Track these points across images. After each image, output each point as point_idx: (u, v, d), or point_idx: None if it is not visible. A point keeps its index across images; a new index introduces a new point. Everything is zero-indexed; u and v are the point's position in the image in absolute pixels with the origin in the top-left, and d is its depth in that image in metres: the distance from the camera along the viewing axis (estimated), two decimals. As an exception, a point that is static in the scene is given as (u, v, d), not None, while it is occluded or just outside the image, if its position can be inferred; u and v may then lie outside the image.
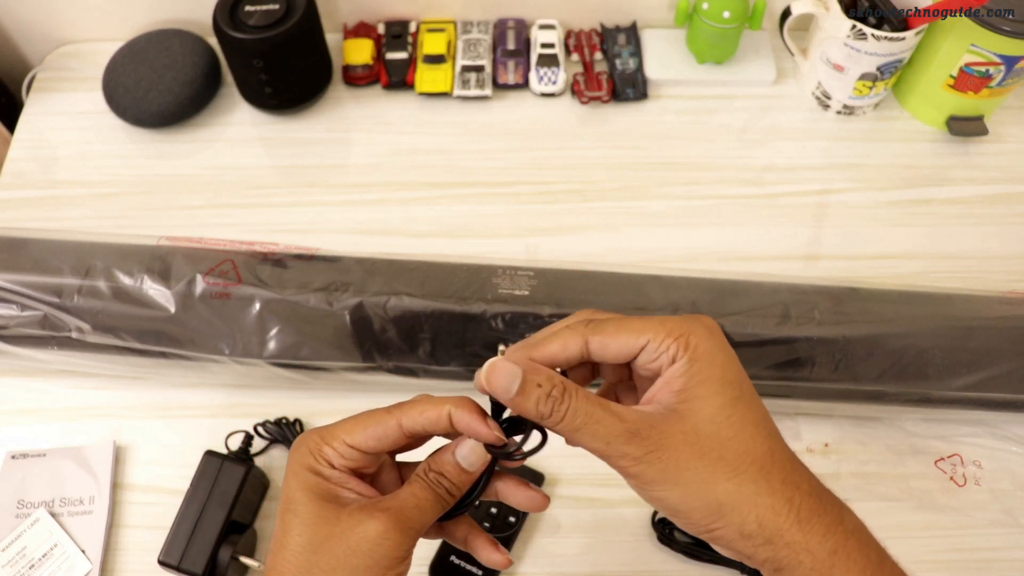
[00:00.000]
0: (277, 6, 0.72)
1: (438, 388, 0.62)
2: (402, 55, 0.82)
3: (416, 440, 0.39)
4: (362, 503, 0.36)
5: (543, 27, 0.83)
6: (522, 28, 0.84)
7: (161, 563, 0.54)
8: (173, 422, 0.64)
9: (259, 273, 0.60)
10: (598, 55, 0.83)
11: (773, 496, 0.33)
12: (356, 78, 0.82)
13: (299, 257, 0.63)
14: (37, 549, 0.57)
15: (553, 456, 0.62)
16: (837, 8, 0.73)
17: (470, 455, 0.37)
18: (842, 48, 0.74)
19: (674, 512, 0.35)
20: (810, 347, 0.59)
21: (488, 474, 0.39)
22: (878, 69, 0.75)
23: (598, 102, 0.81)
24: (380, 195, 0.75)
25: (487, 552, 0.40)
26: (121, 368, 0.62)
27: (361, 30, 0.84)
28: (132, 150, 0.78)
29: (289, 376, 0.61)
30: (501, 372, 0.35)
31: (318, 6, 0.76)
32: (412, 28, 0.84)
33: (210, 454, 0.58)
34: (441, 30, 0.83)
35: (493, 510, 0.58)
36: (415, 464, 0.40)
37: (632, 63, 0.82)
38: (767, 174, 0.77)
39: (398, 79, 0.81)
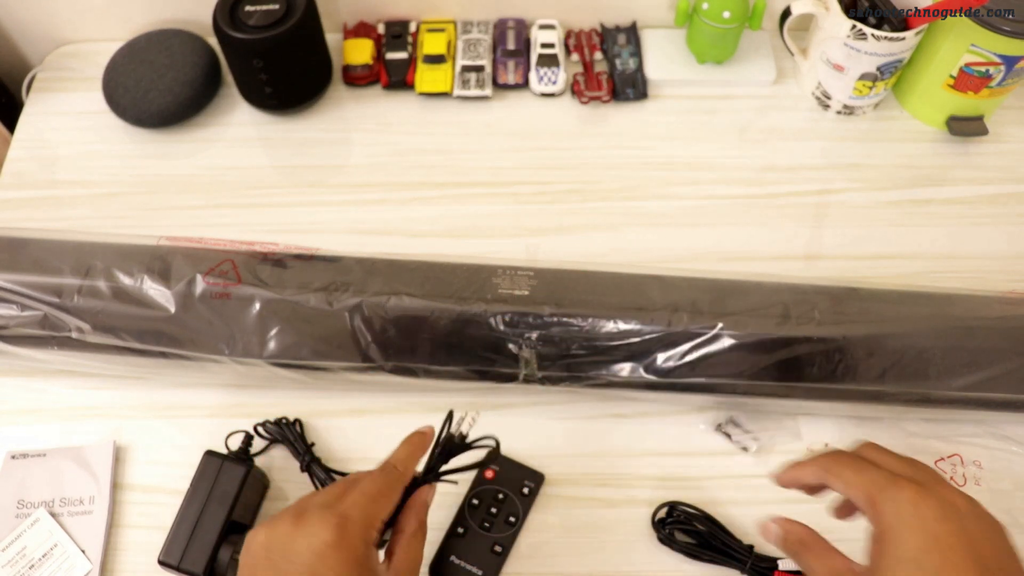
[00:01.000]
0: (277, 6, 0.72)
1: (438, 388, 0.62)
2: (402, 55, 0.82)
3: None
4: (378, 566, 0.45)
5: (543, 27, 0.83)
6: (522, 28, 0.84)
7: (161, 563, 0.54)
8: (173, 422, 0.64)
9: (259, 273, 0.60)
10: (598, 55, 0.83)
11: None
12: (356, 78, 0.82)
13: (299, 257, 0.63)
14: (37, 549, 0.57)
15: (554, 457, 0.62)
16: (837, 8, 0.73)
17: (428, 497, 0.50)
18: (842, 48, 0.74)
19: None
20: (810, 347, 0.59)
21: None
22: (878, 69, 0.75)
23: (598, 102, 0.81)
24: (380, 195, 0.75)
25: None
26: (121, 368, 0.62)
27: (361, 30, 0.84)
28: (132, 150, 0.78)
29: (289, 376, 0.61)
30: (767, 531, 0.45)
31: (318, 6, 0.76)
32: (412, 28, 0.84)
33: (210, 454, 0.58)
34: (441, 30, 0.83)
35: (493, 510, 0.59)
36: None
37: (632, 63, 0.82)
38: (767, 174, 0.77)
39: (398, 79, 0.81)
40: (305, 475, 0.60)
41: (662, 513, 0.59)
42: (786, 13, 0.76)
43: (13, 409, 0.64)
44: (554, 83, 0.80)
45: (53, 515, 0.59)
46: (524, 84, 0.81)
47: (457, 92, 0.80)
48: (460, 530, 0.58)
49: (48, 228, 0.67)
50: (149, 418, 0.64)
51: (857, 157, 0.78)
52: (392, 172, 0.77)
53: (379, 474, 0.48)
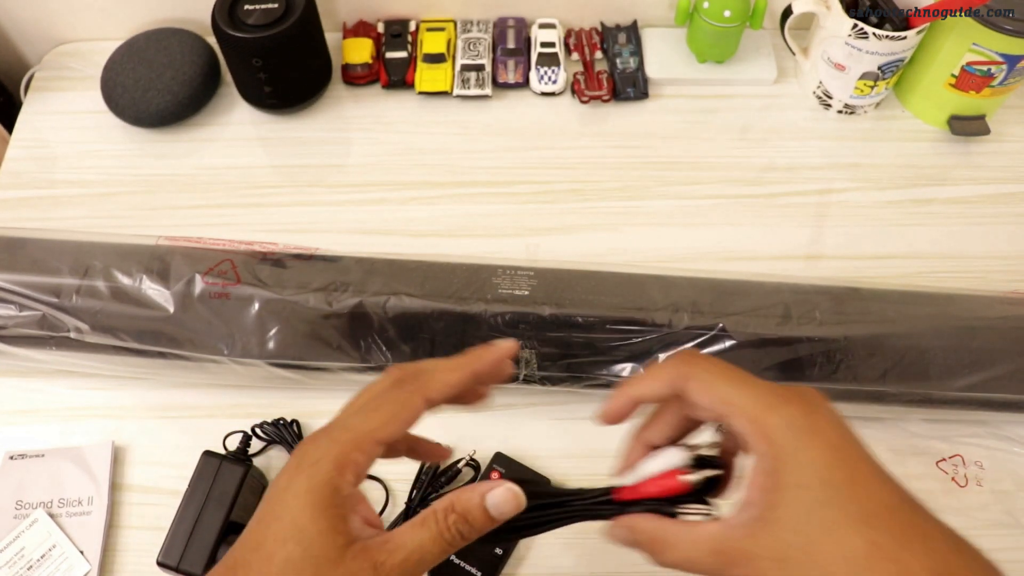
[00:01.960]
0: (276, 5, 0.72)
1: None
2: (402, 54, 0.82)
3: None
4: (366, 545, 0.34)
5: (543, 26, 0.83)
6: (522, 27, 0.84)
7: (160, 564, 0.54)
8: (172, 422, 0.63)
9: (258, 273, 0.60)
10: (598, 54, 0.83)
11: None
12: (356, 77, 0.81)
13: (298, 257, 0.62)
14: (35, 550, 0.57)
15: (554, 457, 0.61)
16: (838, 7, 0.73)
17: (504, 504, 0.35)
18: (843, 47, 0.74)
19: None
20: (811, 347, 0.58)
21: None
22: (879, 68, 0.75)
23: (598, 101, 0.80)
24: (380, 195, 0.75)
25: (430, 449, 0.41)
26: (120, 368, 0.62)
27: (361, 29, 0.84)
28: (131, 150, 0.78)
29: (288, 376, 0.60)
30: (615, 535, 0.37)
31: (317, 5, 0.76)
32: (412, 27, 0.84)
33: (208, 454, 0.57)
34: (441, 29, 0.83)
35: (493, 511, 0.58)
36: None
37: (632, 62, 0.82)
38: (768, 174, 0.77)
39: (398, 78, 0.81)
40: (304, 476, 0.60)
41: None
42: (787, 12, 0.76)
43: (12, 409, 0.64)
44: (554, 82, 0.80)
45: (51, 516, 0.58)
46: (524, 83, 0.81)
47: (457, 91, 0.80)
48: (460, 531, 0.58)
49: (47, 228, 0.67)
50: (148, 418, 0.64)
51: (858, 157, 0.78)
52: (392, 172, 0.77)
53: (387, 381, 0.38)
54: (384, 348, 0.59)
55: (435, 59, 0.81)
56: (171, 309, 0.59)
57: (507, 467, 0.60)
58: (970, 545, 0.32)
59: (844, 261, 0.71)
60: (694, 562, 0.34)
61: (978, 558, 0.32)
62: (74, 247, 0.62)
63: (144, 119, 0.77)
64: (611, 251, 0.72)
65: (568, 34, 0.85)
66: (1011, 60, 0.71)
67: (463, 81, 0.81)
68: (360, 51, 0.82)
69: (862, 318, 0.60)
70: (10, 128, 0.81)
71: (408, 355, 0.59)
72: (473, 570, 0.57)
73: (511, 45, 0.82)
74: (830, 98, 0.79)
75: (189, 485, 0.56)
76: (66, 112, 0.81)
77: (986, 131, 0.77)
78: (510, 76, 0.81)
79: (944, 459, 0.61)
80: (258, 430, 0.61)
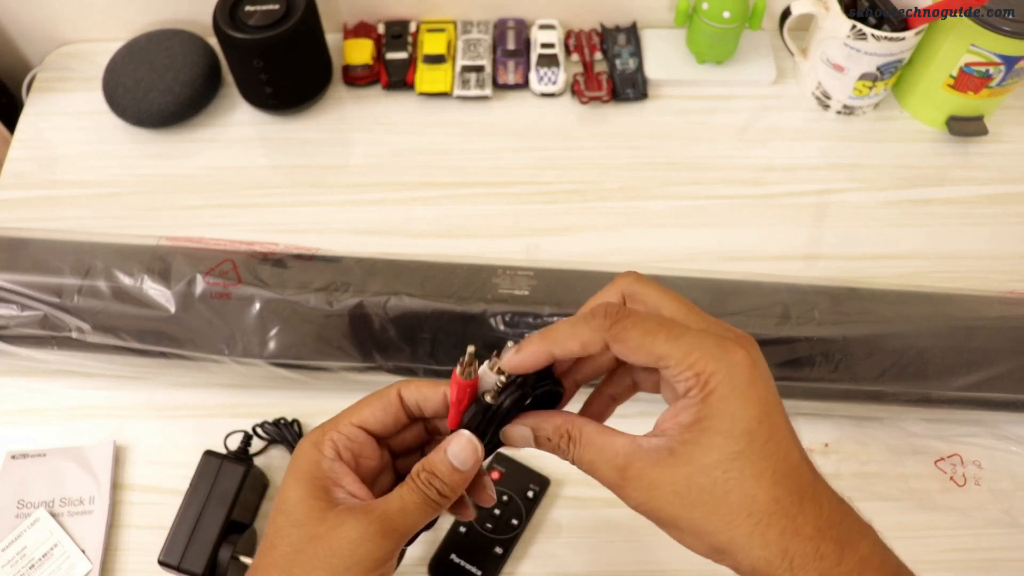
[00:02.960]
0: (277, 6, 0.72)
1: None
2: (402, 55, 0.82)
3: (415, 424, 0.40)
4: (350, 504, 0.36)
5: (543, 27, 0.83)
6: (522, 28, 0.84)
7: (161, 563, 0.54)
8: (173, 422, 0.64)
9: (259, 273, 0.60)
10: (598, 55, 0.83)
11: (766, 548, 0.32)
12: (356, 78, 0.82)
13: (299, 257, 0.63)
14: (37, 549, 0.57)
15: (554, 457, 0.61)
16: (837, 8, 0.73)
17: (461, 452, 0.36)
18: (842, 48, 0.74)
19: (679, 542, 0.35)
20: (810, 347, 0.59)
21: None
22: (878, 69, 0.75)
23: (598, 102, 0.81)
24: (380, 195, 0.75)
25: (479, 495, 0.41)
26: (121, 368, 0.62)
27: (361, 30, 0.84)
28: (132, 150, 0.78)
29: (289, 376, 0.61)
30: (514, 434, 0.37)
31: (318, 6, 0.76)
32: (412, 28, 0.84)
33: (209, 454, 0.58)
34: (441, 30, 0.83)
35: (496, 511, 0.59)
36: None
37: (632, 63, 0.82)
38: (767, 174, 0.77)
39: (398, 79, 0.81)
40: (305, 475, 0.60)
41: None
42: (786, 13, 0.76)
43: (13, 409, 0.64)
44: (554, 83, 0.80)
45: (53, 515, 0.59)
46: (524, 84, 0.81)
47: (457, 92, 0.80)
48: (462, 529, 0.58)
49: (48, 228, 0.67)
50: (149, 418, 0.64)
51: (857, 157, 0.78)
52: (392, 172, 0.77)
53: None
54: (384, 348, 0.59)
55: (435, 60, 0.81)
56: (172, 309, 0.59)
57: (507, 466, 0.60)
58: (851, 507, 0.35)
59: (843, 261, 0.71)
60: (596, 468, 0.35)
61: (857, 518, 0.35)
62: (75, 247, 0.63)
63: (145, 119, 0.77)
64: (611, 251, 0.72)
65: (568, 35, 0.85)
66: (1009, 61, 0.71)
67: (463, 82, 0.81)
68: (361, 52, 0.82)
69: (861, 318, 0.60)
70: (12, 128, 0.81)
71: (408, 355, 0.60)
72: (473, 569, 0.57)
73: (511, 46, 0.82)
74: (829, 99, 0.80)
75: (190, 484, 0.56)
76: (68, 113, 0.81)
77: (984, 132, 0.78)
78: (510, 77, 0.81)
79: (943, 458, 0.62)
80: (259, 430, 0.61)
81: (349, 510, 0.36)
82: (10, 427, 0.63)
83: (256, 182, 0.76)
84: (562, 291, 0.60)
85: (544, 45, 0.82)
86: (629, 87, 0.81)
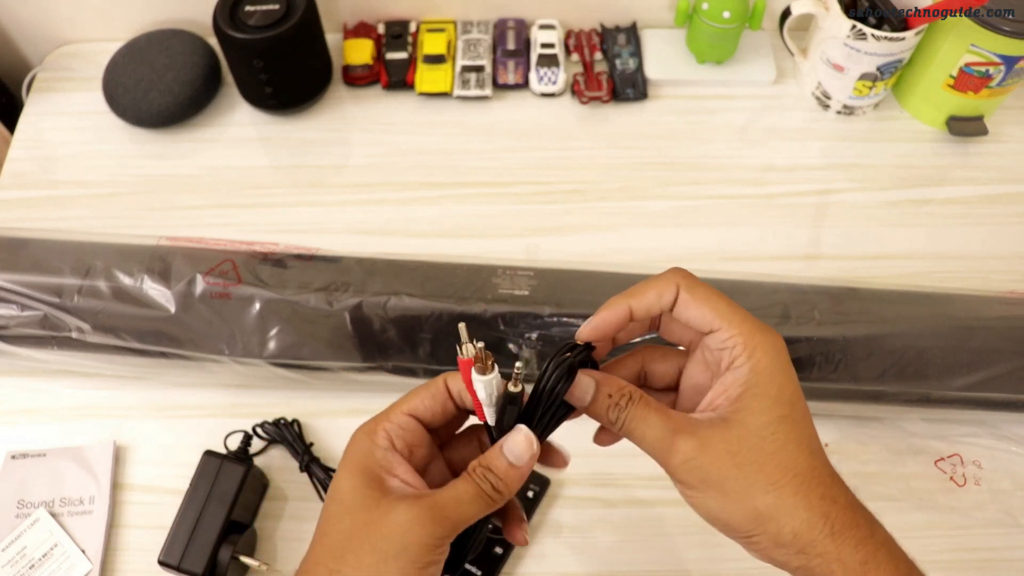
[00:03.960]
0: (277, 6, 0.72)
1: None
2: (402, 55, 0.82)
3: (463, 412, 0.41)
4: (403, 492, 0.36)
5: (543, 27, 0.83)
6: (522, 28, 0.84)
7: (161, 563, 0.54)
8: (173, 422, 0.64)
9: (259, 273, 0.60)
10: (598, 55, 0.83)
11: (810, 510, 0.35)
12: (356, 78, 0.82)
13: (299, 257, 0.63)
14: (37, 549, 0.57)
15: (553, 456, 0.62)
16: (837, 8, 0.73)
17: (516, 447, 0.37)
18: (842, 48, 0.74)
19: (715, 518, 0.36)
20: (810, 347, 0.59)
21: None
22: (878, 69, 0.75)
23: (598, 102, 0.81)
24: (380, 195, 0.75)
25: (512, 530, 0.42)
26: (121, 368, 0.62)
27: (361, 30, 0.84)
28: (132, 150, 0.78)
29: (289, 376, 0.61)
30: (579, 387, 0.38)
31: (318, 6, 0.76)
32: (412, 28, 0.84)
33: (209, 454, 0.58)
34: (441, 30, 0.83)
35: (493, 510, 0.58)
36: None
37: (632, 63, 0.82)
38: (767, 174, 0.77)
39: (398, 79, 0.81)
40: (304, 475, 0.60)
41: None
42: (786, 13, 0.76)
43: (13, 409, 0.64)
44: (554, 83, 0.80)
45: (53, 515, 0.59)
46: (524, 84, 0.81)
47: (457, 92, 0.80)
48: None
49: (48, 228, 0.67)
50: (149, 418, 0.64)
51: (857, 157, 0.78)
52: (392, 172, 0.77)
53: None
54: (384, 348, 0.59)
55: (435, 60, 0.81)
56: (172, 309, 0.59)
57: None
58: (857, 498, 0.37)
59: (843, 261, 0.71)
60: (648, 428, 0.37)
61: (866, 510, 0.37)
62: (75, 247, 0.63)
63: (145, 119, 0.77)
64: (611, 251, 0.72)
65: (568, 35, 0.85)
66: (1009, 61, 0.71)
67: (463, 82, 0.81)
68: (361, 52, 0.82)
69: (861, 318, 0.60)
70: (12, 128, 0.81)
71: (408, 355, 0.60)
72: (473, 569, 0.57)
73: (511, 46, 0.82)
74: (829, 99, 0.80)
75: (190, 484, 0.56)
76: (68, 113, 0.81)
77: (984, 132, 0.78)
78: (510, 77, 0.81)
79: (943, 458, 0.62)
80: (259, 430, 0.61)
81: (401, 497, 0.36)
82: (10, 427, 0.63)
83: (256, 182, 0.76)
84: (562, 291, 0.60)
85: (544, 45, 0.82)
86: (629, 87, 0.81)
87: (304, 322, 0.59)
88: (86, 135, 0.79)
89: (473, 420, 0.41)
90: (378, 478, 0.37)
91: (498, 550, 0.57)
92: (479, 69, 0.81)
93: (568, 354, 0.38)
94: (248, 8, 0.72)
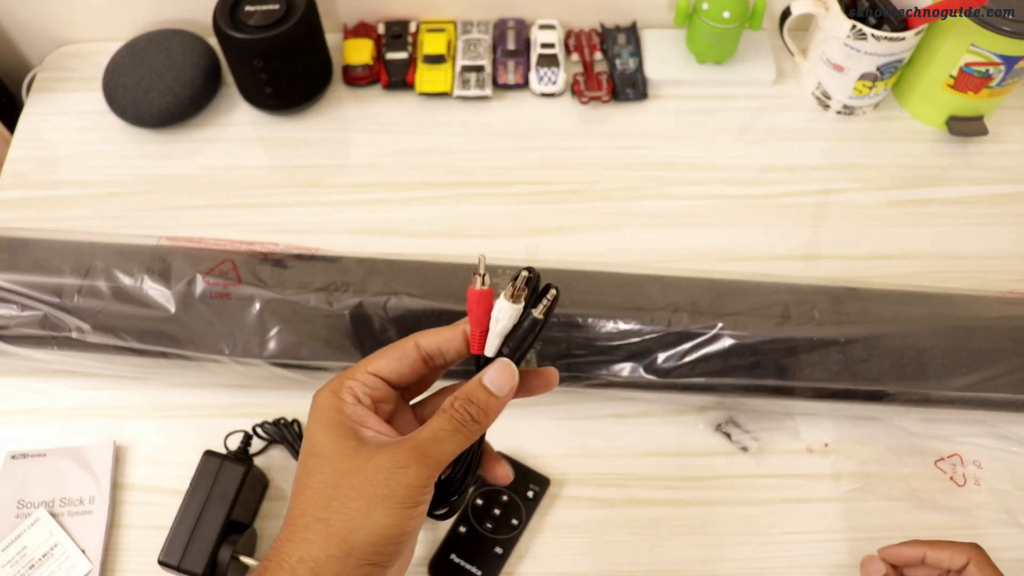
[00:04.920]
0: (277, 6, 0.72)
1: (438, 387, 0.62)
2: (402, 55, 0.82)
3: (433, 371, 0.41)
4: (380, 441, 0.37)
5: (543, 27, 0.83)
6: (522, 28, 0.84)
7: (161, 563, 0.54)
8: (173, 422, 0.64)
9: (259, 273, 0.60)
10: (598, 55, 0.83)
11: None
12: (356, 78, 0.82)
13: (299, 257, 0.63)
14: (37, 549, 0.57)
15: (554, 456, 0.62)
16: (837, 8, 0.73)
17: (499, 377, 0.37)
18: (842, 48, 0.74)
19: None
20: (810, 347, 0.59)
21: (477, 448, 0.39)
22: (878, 69, 0.75)
23: (598, 102, 0.81)
24: (380, 195, 0.75)
25: (493, 469, 0.41)
26: (121, 368, 0.62)
27: (361, 30, 0.84)
28: (132, 150, 0.78)
29: (289, 376, 0.61)
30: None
31: (318, 6, 0.76)
32: (412, 28, 0.84)
33: (209, 454, 0.58)
34: (441, 30, 0.83)
35: (496, 511, 0.59)
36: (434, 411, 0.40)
37: (632, 63, 0.82)
38: (767, 174, 0.77)
39: (398, 79, 0.81)
40: (305, 475, 0.60)
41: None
42: (786, 13, 0.76)
43: (13, 409, 0.64)
44: (554, 83, 0.80)
45: (53, 515, 0.59)
46: (524, 84, 0.81)
47: (457, 92, 0.80)
48: (462, 529, 0.58)
49: (48, 228, 0.67)
50: (149, 418, 0.64)
51: (857, 157, 0.78)
52: (392, 172, 0.77)
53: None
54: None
55: (435, 60, 0.81)
56: (172, 309, 0.59)
57: (512, 468, 0.60)
58: None
59: (843, 261, 0.71)
60: None
61: None
62: (75, 247, 0.63)
63: (145, 120, 0.77)
64: (611, 251, 0.72)
65: (568, 35, 0.85)
66: (1009, 61, 0.71)
67: (463, 82, 0.81)
68: (361, 52, 0.82)
69: (861, 318, 0.60)
70: (12, 128, 0.81)
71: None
72: (473, 569, 0.57)
73: (511, 46, 0.82)
74: (829, 99, 0.80)
75: (190, 484, 0.56)
76: (68, 113, 0.81)
77: (984, 132, 0.78)
78: (510, 77, 0.81)
79: (943, 458, 0.62)
80: (259, 430, 0.61)
81: (381, 444, 0.36)
82: (10, 427, 0.63)
83: (256, 182, 0.76)
84: (562, 291, 0.60)
85: (544, 45, 0.82)
86: (629, 87, 0.81)
87: (304, 322, 0.59)
88: (86, 135, 0.79)
89: (440, 384, 0.42)
90: (352, 430, 0.37)
91: (498, 550, 0.57)
92: (479, 69, 0.81)
93: (526, 273, 0.38)
94: (248, 8, 0.72)
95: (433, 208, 0.74)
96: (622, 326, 0.59)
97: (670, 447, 0.62)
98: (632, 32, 0.84)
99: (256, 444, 0.61)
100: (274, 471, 0.61)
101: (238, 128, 0.80)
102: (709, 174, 0.77)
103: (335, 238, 0.72)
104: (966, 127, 0.77)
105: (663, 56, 0.83)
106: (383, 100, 0.82)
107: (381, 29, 0.84)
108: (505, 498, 0.59)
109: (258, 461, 0.61)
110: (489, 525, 0.58)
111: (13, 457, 0.61)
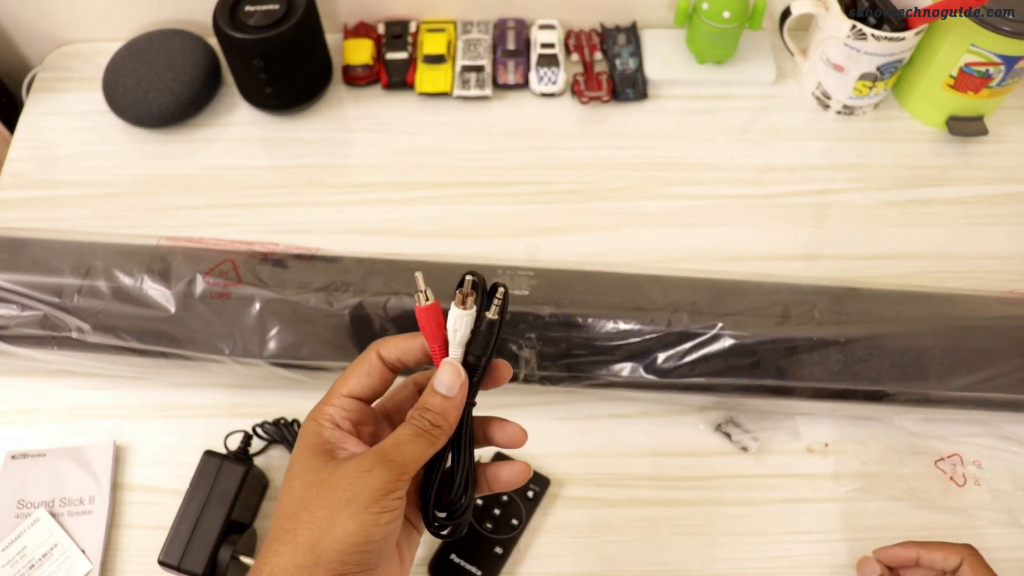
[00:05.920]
0: (277, 6, 0.72)
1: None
2: (402, 55, 0.82)
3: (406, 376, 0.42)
4: (351, 454, 0.38)
5: (543, 27, 0.83)
6: (522, 28, 0.84)
7: (161, 563, 0.54)
8: (173, 422, 0.64)
9: (259, 273, 0.60)
10: (598, 55, 0.83)
11: None
12: (356, 78, 0.82)
13: (299, 257, 0.63)
14: (37, 549, 0.57)
15: (554, 456, 0.62)
16: (837, 8, 0.73)
17: (446, 378, 0.38)
18: (842, 48, 0.74)
19: None
20: (810, 347, 0.59)
21: (468, 413, 0.40)
22: (878, 69, 0.75)
23: (598, 102, 0.81)
24: (380, 195, 0.75)
25: (503, 433, 0.42)
26: (121, 368, 0.62)
27: (361, 30, 0.84)
28: (132, 150, 0.78)
29: (289, 376, 0.61)
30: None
31: (318, 6, 0.76)
32: (412, 28, 0.84)
33: (209, 454, 0.58)
34: (441, 30, 0.83)
35: (496, 511, 0.59)
36: None
37: (632, 63, 0.82)
38: (767, 174, 0.77)
39: (398, 79, 0.81)
40: (305, 475, 0.60)
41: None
42: (786, 13, 0.76)
43: (13, 409, 0.64)
44: (554, 83, 0.80)
45: (53, 515, 0.59)
46: (524, 84, 0.81)
47: (457, 92, 0.80)
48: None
49: (48, 228, 0.67)
50: (149, 418, 0.64)
51: (857, 157, 0.78)
52: (392, 172, 0.77)
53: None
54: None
55: (435, 60, 0.81)
56: (172, 309, 0.59)
57: (507, 466, 0.60)
58: None
59: (843, 261, 0.71)
60: None
61: None
62: (75, 247, 0.63)
63: (145, 120, 0.77)
64: (611, 251, 0.72)
65: (568, 35, 0.85)
66: (1009, 61, 0.71)
67: (463, 82, 0.81)
68: (361, 52, 0.82)
69: (861, 318, 0.60)
70: (12, 128, 0.81)
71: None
72: (473, 569, 0.57)
73: (511, 46, 0.82)
74: (829, 99, 0.80)
75: (190, 484, 0.56)
76: (68, 113, 0.81)
77: (984, 132, 0.78)
78: (510, 77, 0.81)
79: (943, 458, 0.62)
80: (259, 430, 0.61)
81: (348, 457, 0.38)
82: (10, 427, 0.63)
83: (256, 182, 0.76)
84: (562, 291, 0.60)
85: (544, 45, 0.82)
86: (629, 87, 0.81)
87: (304, 322, 0.59)
88: (86, 135, 0.79)
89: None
90: (328, 451, 0.38)
91: (498, 550, 0.57)
92: (479, 69, 0.81)
93: (470, 277, 0.39)
94: (248, 8, 0.72)
95: (433, 208, 0.74)
96: (622, 326, 0.59)
97: (670, 447, 0.62)
98: (632, 32, 0.84)
99: (256, 444, 0.61)
100: (274, 471, 0.61)
101: (238, 128, 0.80)
102: (709, 174, 0.77)
103: (335, 238, 0.72)
104: (966, 127, 0.77)
105: (663, 56, 0.83)
106: (383, 100, 0.82)
107: (381, 29, 0.84)
108: (505, 498, 0.59)
109: (258, 461, 0.61)
110: (489, 525, 0.58)
111: (13, 457, 0.61)
